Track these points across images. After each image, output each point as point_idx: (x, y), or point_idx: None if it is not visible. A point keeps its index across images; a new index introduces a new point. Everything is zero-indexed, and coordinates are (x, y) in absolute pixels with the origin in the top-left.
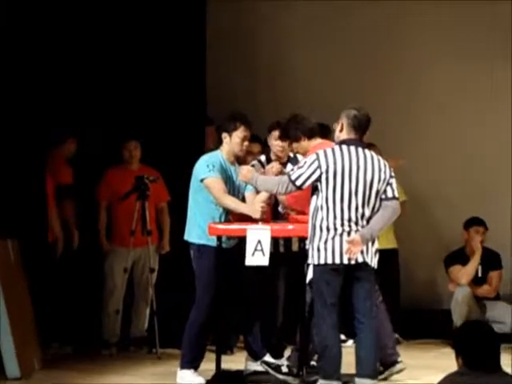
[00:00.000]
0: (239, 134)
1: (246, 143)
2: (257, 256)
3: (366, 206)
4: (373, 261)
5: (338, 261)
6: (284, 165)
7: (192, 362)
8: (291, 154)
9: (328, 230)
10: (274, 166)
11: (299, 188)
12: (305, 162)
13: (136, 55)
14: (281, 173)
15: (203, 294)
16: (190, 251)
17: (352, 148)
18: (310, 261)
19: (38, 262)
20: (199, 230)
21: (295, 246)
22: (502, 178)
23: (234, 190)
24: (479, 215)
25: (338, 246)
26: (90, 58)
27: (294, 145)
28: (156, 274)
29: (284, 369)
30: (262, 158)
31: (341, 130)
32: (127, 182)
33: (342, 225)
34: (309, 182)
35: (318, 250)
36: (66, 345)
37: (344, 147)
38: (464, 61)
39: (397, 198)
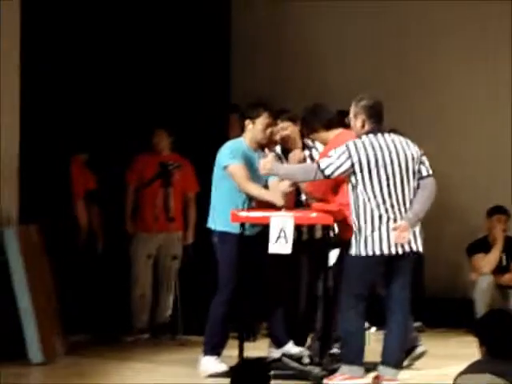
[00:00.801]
0: (262, 120)
1: (269, 130)
2: (280, 243)
3: (406, 188)
4: (419, 246)
5: (386, 251)
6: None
7: (215, 349)
8: (309, 142)
9: (373, 219)
10: (297, 153)
11: (327, 177)
12: (334, 152)
13: (164, 44)
14: (304, 160)
15: (226, 282)
16: (213, 238)
17: (379, 136)
18: (353, 252)
19: (62, 248)
20: (222, 217)
21: (318, 234)
22: None
23: (257, 177)
24: (505, 203)
25: (385, 235)
26: (121, 48)
27: (314, 135)
28: (180, 260)
29: (305, 359)
30: (277, 148)
31: (363, 126)
32: (154, 168)
33: (387, 211)
34: (338, 172)
35: (365, 241)
36: (88, 331)
37: (371, 136)
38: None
39: (432, 175)
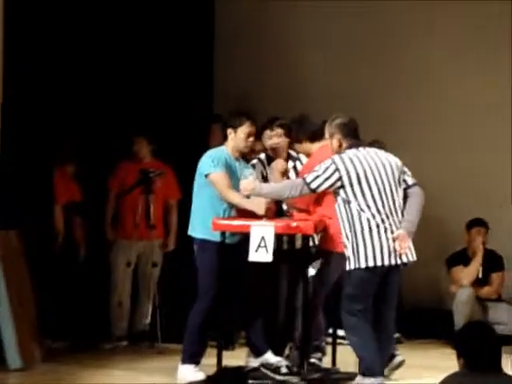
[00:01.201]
0: (244, 129)
1: (250, 139)
2: (260, 252)
3: (396, 197)
4: (414, 255)
5: (387, 262)
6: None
7: (193, 357)
8: (293, 153)
9: (370, 229)
10: (279, 162)
11: (314, 191)
12: (320, 166)
13: (144, 51)
14: (286, 170)
15: (205, 290)
16: (193, 246)
17: (360, 149)
18: (352, 266)
19: (40, 254)
20: (203, 225)
21: (298, 243)
22: (508, 179)
23: (238, 185)
24: (483, 216)
25: (385, 245)
26: (98, 55)
27: (296, 146)
28: (159, 268)
29: (283, 369)
30: (262, 156)
31: (340, 146)
32: (135, 175)
33: (383, 221)
34: (325, 186)
35: (365, 252)
36: (66, 338)
37: (353, 150)
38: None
39: (416, 183)
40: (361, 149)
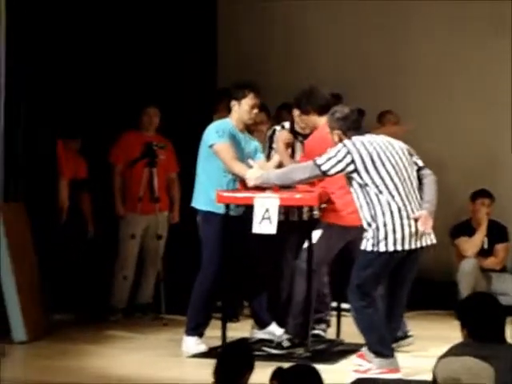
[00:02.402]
0: (248, 101)
1: (255, 111)
2: (264, 224)
3: (412, 178)
4: (433, 238)
5: (407, 246)
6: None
7: (197, 329)
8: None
9: (392, 212)
10: (283, 133)
11: (325, 173)
12: (332, 150)
13: (148, 26)
14: (291, 141)
15: (209, 261)
16: (197, 218)
17: (367, 135)
18: (371, 248)
19: (46, 228)
20: (206, 196)
21: (306, 216)
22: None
23: (243, 157)
24: (490, 187)
25: (407, 229)
26: (104, 32)
27: (303, 117)
28: (164, 241)
29: (285, 343)
30: (287, 124)
31: (340, 140)
32: (139, 148)
33: (403, 203)
34: (336, 169)
35: (386, 236)
36: (71, 310)
37: (359, 137)
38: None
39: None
40: (367, 135)
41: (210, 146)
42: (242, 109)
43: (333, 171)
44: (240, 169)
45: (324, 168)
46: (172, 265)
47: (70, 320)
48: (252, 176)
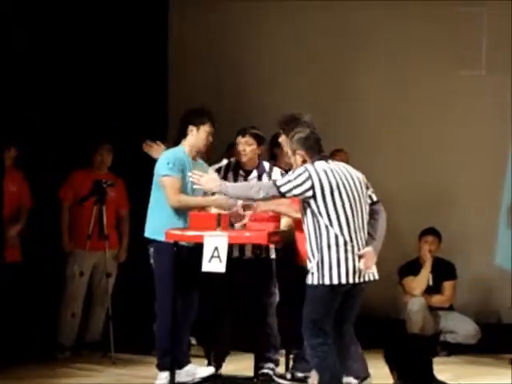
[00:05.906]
0: (207, 128)
1: (210, 139)
2: (214, 262)
3: (364, 213)
4: (376, 274)
5: (351, 280)
6: (250, 172)
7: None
8: (266, 166)
9: (337, 245)
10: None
11: (283, 195)
12: (292, 172)
13: (100, 64)
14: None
15: (163, 293)
16: (148, 248)
17: (330, 161)
18: (315, 282)
19: None
20: (159, 226)
21: (249, 253)
22: (463, 186)
23: (193, 185)
24: (442, 224)
25: (351, 263)
26: (53, 62)
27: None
28: (114, 279)
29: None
30: (233, 160)
31: (304, 161)
32: (88, 185)
33: (350, 237)
34: (296, 192)
35: (330, 269)
36: (18, 348)
37: (323, 163)
38: (426, 65)
39: (379, 201)
40: (330, 161)
41: (161, 177)
42: (200, 135)
43: (291, 194)
44: (186, 199)
45: (283, 190)
46: (121, 302)
47: (17, 357)
48: (209, 183)
